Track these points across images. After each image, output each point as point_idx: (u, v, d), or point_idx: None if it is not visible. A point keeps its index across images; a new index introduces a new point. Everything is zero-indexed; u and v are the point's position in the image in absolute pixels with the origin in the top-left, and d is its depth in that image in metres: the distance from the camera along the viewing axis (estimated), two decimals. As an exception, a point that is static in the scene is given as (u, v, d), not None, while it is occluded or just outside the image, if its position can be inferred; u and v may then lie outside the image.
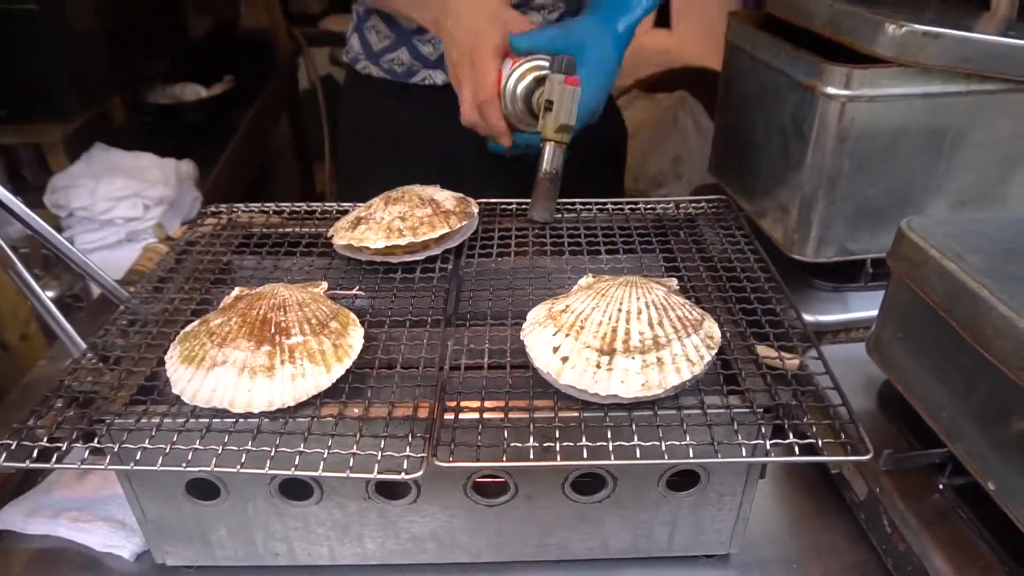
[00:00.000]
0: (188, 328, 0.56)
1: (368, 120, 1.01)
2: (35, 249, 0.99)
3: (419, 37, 0.91)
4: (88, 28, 1.55)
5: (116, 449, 0.48)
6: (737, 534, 0.59)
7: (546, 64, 0.71)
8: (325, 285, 0.62)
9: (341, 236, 0.67)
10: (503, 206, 0.77)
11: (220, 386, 0.50)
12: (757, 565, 0.61)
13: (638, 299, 0.53)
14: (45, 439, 0.48)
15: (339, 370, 0.52)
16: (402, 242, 0.65)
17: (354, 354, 0.53)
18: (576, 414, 0.50)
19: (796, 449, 0.48)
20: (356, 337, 0.55)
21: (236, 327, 0.53)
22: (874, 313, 0.66)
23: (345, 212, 0.78)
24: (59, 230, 1.30)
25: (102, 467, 0.47)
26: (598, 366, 0.49)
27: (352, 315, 0.58)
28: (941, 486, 0.59)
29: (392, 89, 0.96)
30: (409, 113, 0.96)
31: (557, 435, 0.48)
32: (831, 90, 0.73)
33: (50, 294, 0.93)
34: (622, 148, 1.13)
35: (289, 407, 0.50)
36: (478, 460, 0.47)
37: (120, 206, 1.27)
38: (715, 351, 0.52)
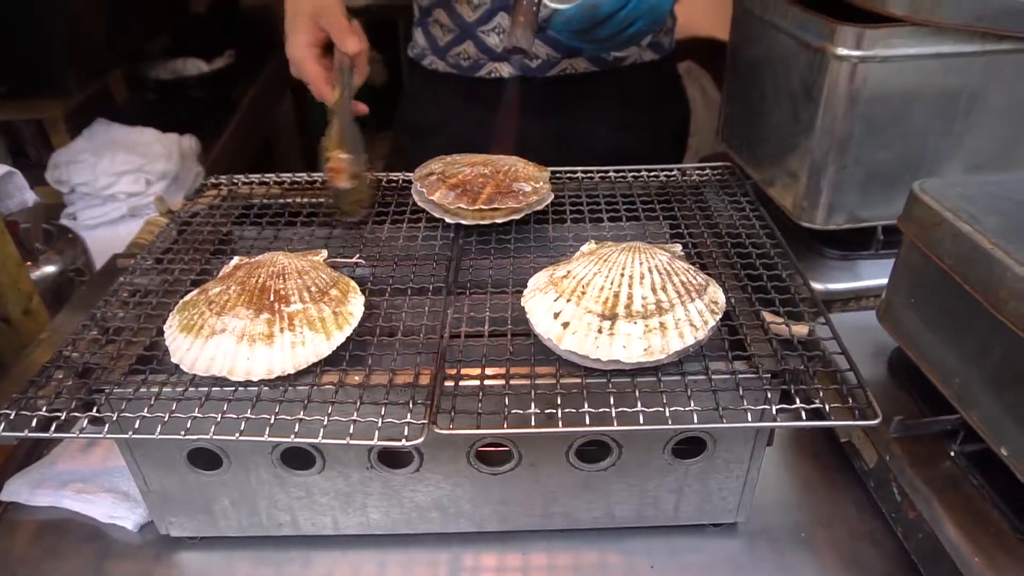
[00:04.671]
0: (187, 297, 0.55)
1: (433, 118, 1.02)
2: (36, 223, 0.98)
3: (483, 28, 0.91)
4: (88, 3, 1.53)
5: (115, 418, 0.48)
6: (744, 502, 0.58)
7: None
8: (325, 253, 0.61)
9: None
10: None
11: (219, 354, 0.49)
12: (764, 534, 0.60)
13: (641, 264, 0.52)
14: (44, 409, 0.48)
15: (339, 337, 0.51)
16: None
17: (354, 321, 0.53)
18: (578, 380, 0.49)
19: (803, 414, 0.47)
20: (356, 305, 0.54)
21: (235, 295, 0.52)
22: (885, 281, 0.65)
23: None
24: (61, 206, 1.30)
25: (101, 436, 0.47)
26: (600, 331, 0.48)
27: (352, 283, 0.57)
28: (952, 453, 0.58)
29: (458, 84, 0.96)
30: (475, 108, 0.96)
31: (559, 402, 0.47)
32: (842, 51, 0.71)
33: (52, 268, 0.93)
34: (685, 128, 1.13)
35: (289, 375, 0.49)
36: (479, 427, 0.47)
37: (122, 181, 1.27)
38: (719, 316, 0.51)
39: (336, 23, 0.75)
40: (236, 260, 0.59)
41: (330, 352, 0.51)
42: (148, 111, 1.73)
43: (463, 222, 0.66)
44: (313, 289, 0.53)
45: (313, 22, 0.76)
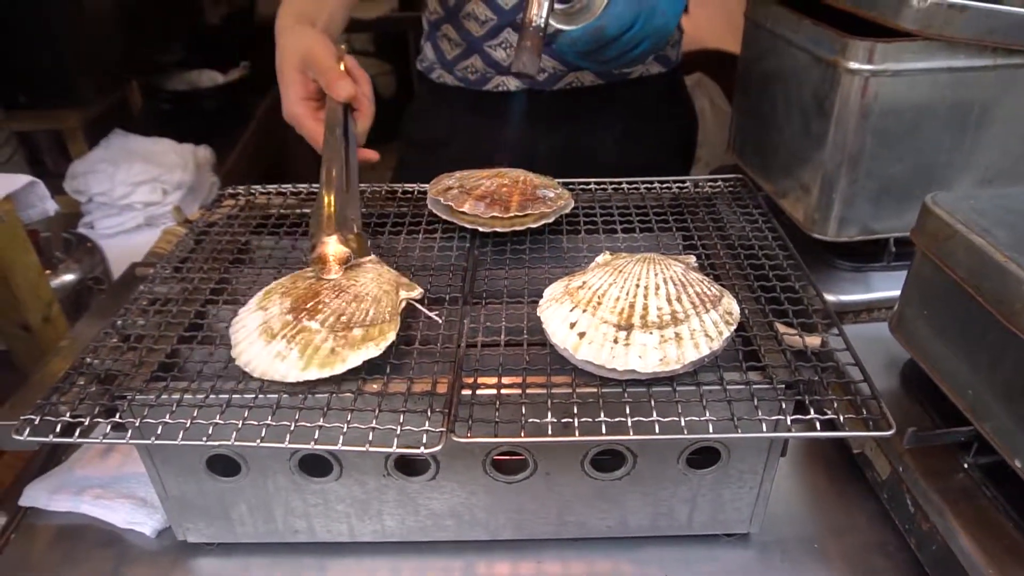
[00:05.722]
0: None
1: (441, 131, 1.02)
2: (55, 232, 1.00)
3: (489, 43, 0.92)
4: (105, 15, 1.56)
5: (137, 424, 0.49)
6: (758, 513, 0.58)
7: None
8: (417, 293, 0.58)
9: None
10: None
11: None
12: (777, 544, 0.60)
13: (656, 275, 0.52)
14: (67, 415, 0.49)
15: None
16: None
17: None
18: (594, 390, 0.49)
19: (817, 425, 0.47)
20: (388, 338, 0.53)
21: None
22: (897, 293, 0.65)
23: (362, 192, 0.78)
24: (79, 216, 1.32)
25: (123, 442, 0.48)
26: (615, 341, 0.49)
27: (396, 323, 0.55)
28: (966, 465, 0.58)
29: (466, 98, 0.97)
30: (482, 122, 0.97)
31: (575, 411, 0.47)
32: (854, 65, 0.71)
33: (71, 277, 0.95)
34: (692, 139, 1.13)
35: (308, 383, 0.50)
36: (496, 436, 0.47)
37: (139, 191, 1.28)
38: (734, 327, 0.51)
39: (324, 69, 0.70)
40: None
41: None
42: (164, 122, 1.75)
43: (497, 229, 0.67)
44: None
45: (301, 74, 0.72)
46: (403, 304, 0.56)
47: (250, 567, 0.60)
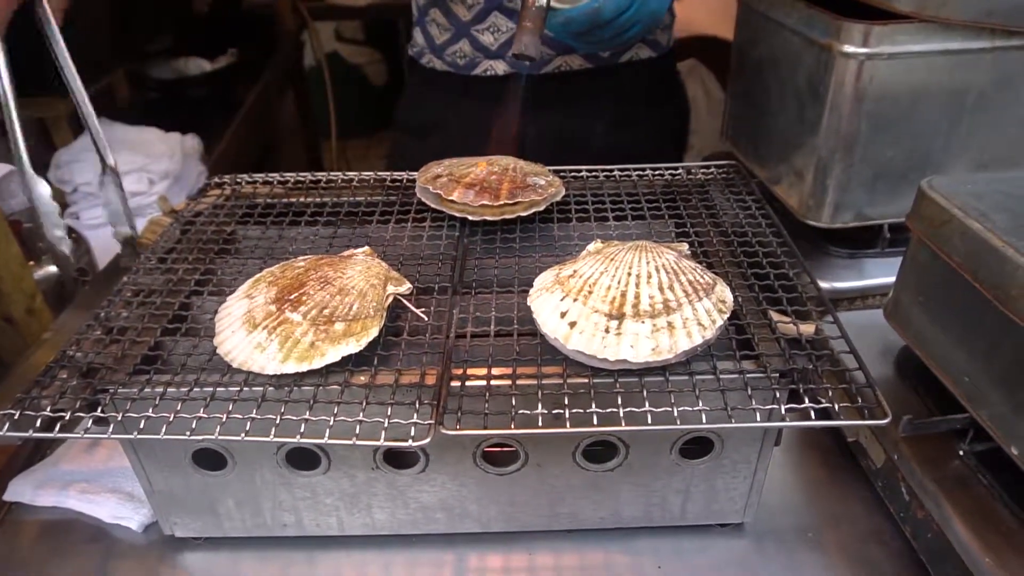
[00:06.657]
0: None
1: (432, 116, 1.02)
2: (37, 223, 0.98)
3: (477, 27, 0.92)
4: (91, 2, 1.53)
5: (120, 418, 0.47)
6: (752, 503, 0.58)
7: None
8: (405, 289, 0.57)
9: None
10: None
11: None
12: (772, 534, 0.60)
13: (648, 263, 0.51)
14: (49, 409, 0.48)
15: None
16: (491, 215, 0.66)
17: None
18: (586, 380, 0.48)
19: (812, 414, 0.46)
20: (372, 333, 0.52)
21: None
22: (891, 280, 0.65)
23: (350, 181, 0.77)
24: (64, 206, 1.30)
25: (105, 436, 0.47)
26: (607, 331, 0.48)
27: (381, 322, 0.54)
28: (961, 452, 0.57)
29: (455, 83, 0.97)
30: (472, 107, 0.97)
31: (566, 402, 0.46)
32: (848, 48, 0.70)
33: (54, 268, 0.93)
34: (685, 126, 1.12)
35: (294, 375, 0.49)
36: (486, 428, 0.46)
37: (125, 180, 1.26)
38: (727, 315, 0.50)
39: None
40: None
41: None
42: (151, 110, 1.72)
43: (487, 218, 0.66)
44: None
45: None
46: (390, 299, 0.55)
47: (238, 562, 0.59)
